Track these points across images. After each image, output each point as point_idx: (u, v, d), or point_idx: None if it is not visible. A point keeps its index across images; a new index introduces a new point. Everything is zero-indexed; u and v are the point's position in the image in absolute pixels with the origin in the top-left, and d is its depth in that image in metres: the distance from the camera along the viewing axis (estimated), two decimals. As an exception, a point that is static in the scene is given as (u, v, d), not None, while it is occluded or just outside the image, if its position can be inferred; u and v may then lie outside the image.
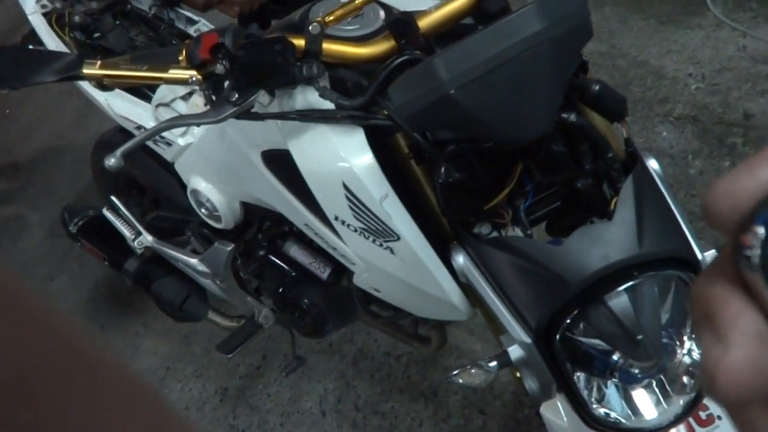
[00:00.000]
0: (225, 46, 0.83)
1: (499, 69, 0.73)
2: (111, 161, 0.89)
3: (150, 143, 1.43)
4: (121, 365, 0.32)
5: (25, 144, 3.01)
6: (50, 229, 2.53)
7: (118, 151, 0.88)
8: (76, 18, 1.56)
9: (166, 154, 1.43)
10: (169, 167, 1.47)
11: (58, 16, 1.56)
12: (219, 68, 0.84)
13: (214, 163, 1.30)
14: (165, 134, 1.38)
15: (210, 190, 1.33)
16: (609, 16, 2.53)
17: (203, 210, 1.38)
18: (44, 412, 0.27)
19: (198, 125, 1.31)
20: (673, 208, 0.88)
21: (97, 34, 1.58)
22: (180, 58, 0.87)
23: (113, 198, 1.55)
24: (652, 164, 0.93)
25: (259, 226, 1.42)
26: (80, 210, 1.82)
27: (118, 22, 1.60)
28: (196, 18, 1.64)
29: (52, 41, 1.53)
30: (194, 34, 1.58)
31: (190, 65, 0.86)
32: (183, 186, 1.42)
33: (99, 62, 0.88)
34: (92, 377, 0.30)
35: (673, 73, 2.28)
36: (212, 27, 1.60)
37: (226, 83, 0.85)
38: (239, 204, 1.34)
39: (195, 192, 1.37)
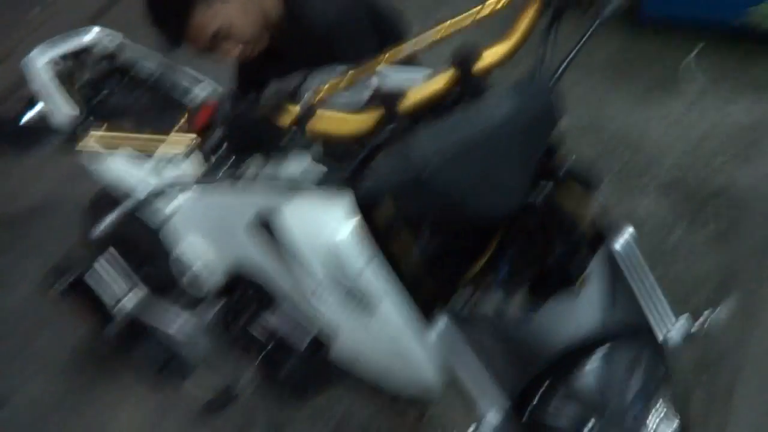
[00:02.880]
0: (222, 115, 0.89)
1: (467, 154, 0.78)
2: (96, 234, 0.93)
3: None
4: None
5: (15, 201, 2.98)
6: (36, 287, 2.51)
7: (103, 224, 0.92)
8: (86, 76, 1.63)
9: (153, 220, 1.46)
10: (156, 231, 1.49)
11: (68, 75, 1.63)
12: (215, 136, 0.89)
13: (200, 231, 1.33)
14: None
15: (194, 259, 1.36)
16: (596, 85, 2.61)
17: (186, 279, 1.40)
18: None
19: (190, 188, 1.34)
20: (642, 279, 0.92)
21: (105, 91, 1.65)
22: (180, 123, 0.92)
23: (96, 264, 1.58)
24: (627, 234, 0.96)
25: (241, 294, 1.43)
26: (66, 270, 1.82)
27: (125, 81, 1.67)
28: (200, 77, 1.71)
29: (60, 98, 1.59)
30: (198, 92, 1.64)
31: (190, 131, 0.91)
32: (169, 250, 1.44)
33: (104, 126, 0.93)
34: None
35: (657, 140, 2.35)
36: (216, 86, 1.67)
37: (221, 150, 0.90)
38: (223, 272, 1.36)
39: (179, 260, 1.39)
